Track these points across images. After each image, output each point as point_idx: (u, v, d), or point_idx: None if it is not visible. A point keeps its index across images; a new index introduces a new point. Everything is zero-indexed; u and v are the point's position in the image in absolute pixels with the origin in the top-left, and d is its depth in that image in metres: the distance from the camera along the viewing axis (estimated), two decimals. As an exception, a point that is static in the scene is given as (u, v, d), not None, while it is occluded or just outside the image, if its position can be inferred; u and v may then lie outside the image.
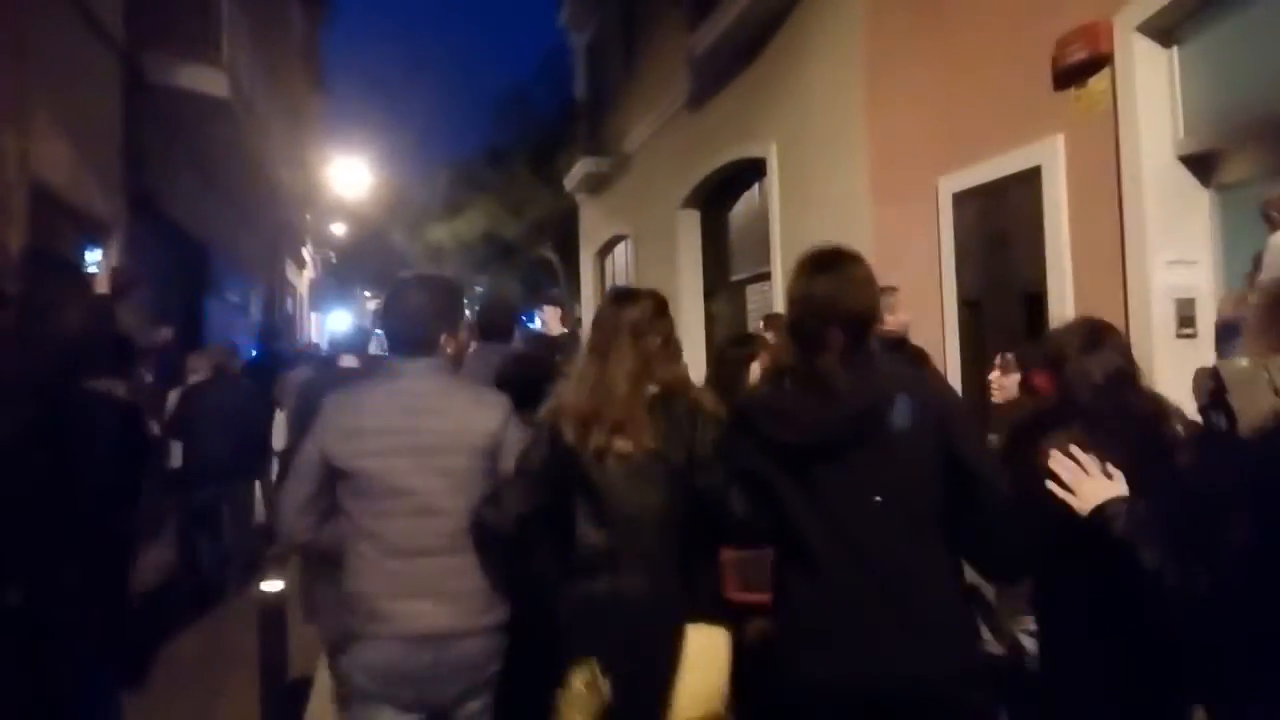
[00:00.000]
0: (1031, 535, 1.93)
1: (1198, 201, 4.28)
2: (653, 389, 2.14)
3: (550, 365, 3.22)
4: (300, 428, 4.26)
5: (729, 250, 10.37)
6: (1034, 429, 2.12)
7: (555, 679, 2.11)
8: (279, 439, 7.06)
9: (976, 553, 2.00)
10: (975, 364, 5.66)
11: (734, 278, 10.06)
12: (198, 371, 6.02)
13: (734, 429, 2.07)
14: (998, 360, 3.52)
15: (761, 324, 5.99)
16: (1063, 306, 5.02)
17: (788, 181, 8.10)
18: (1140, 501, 1.82)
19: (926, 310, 6.16)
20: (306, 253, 24.54)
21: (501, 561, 2.20)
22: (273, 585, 3.37)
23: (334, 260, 32.90)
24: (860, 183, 6.94)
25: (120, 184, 6.82)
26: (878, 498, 1.88)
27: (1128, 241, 4.52)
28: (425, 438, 2.20)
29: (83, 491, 2.44)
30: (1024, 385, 3.05)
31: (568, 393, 2.19)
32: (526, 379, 2.81)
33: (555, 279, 24.73)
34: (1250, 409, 1.73)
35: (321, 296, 32.54)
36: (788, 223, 8.08)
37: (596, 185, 14.32)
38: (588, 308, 15.47)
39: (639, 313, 2.20)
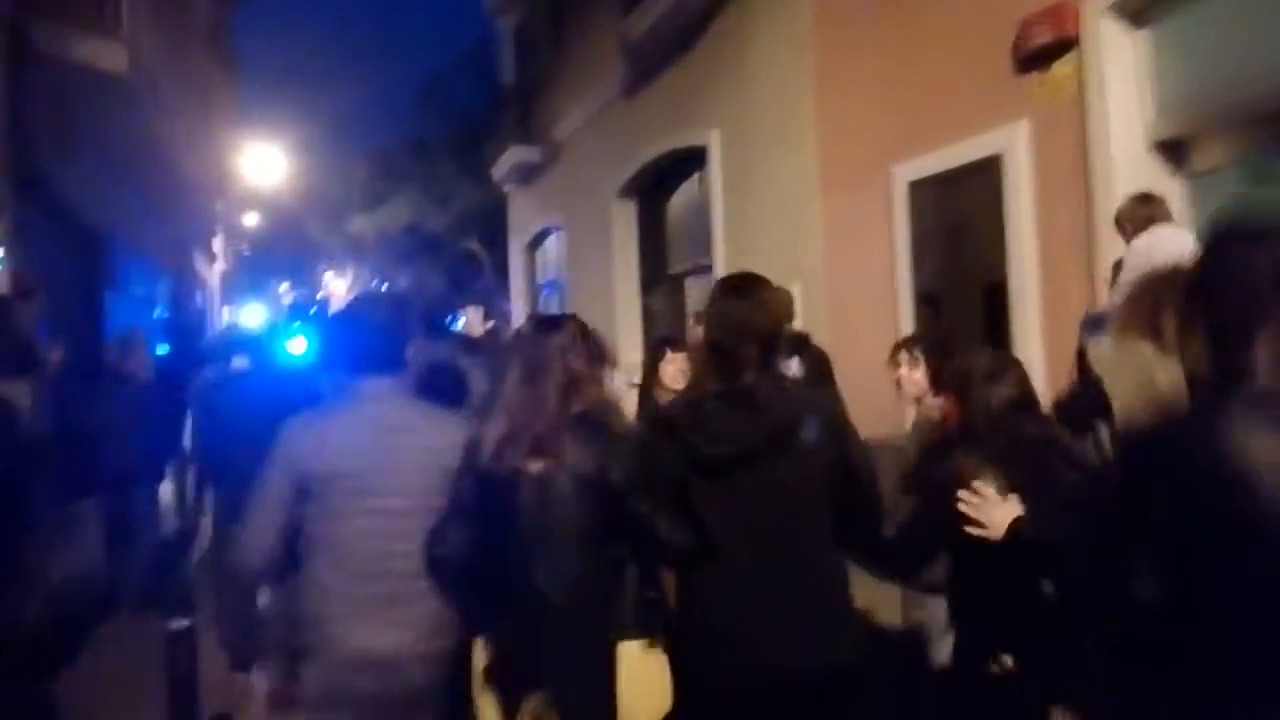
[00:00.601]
0: (934, 539, 2.25)
1: (1169, 190, 4.14)
2: (577, 408, 2.18)
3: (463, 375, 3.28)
4: (203, 431, 4.27)
5: (667, 242, 10.08)
6: (940, 449, 2.40)
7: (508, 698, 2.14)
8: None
9: (865, 550, 2.28)
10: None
11: (672, 270, 9.77)
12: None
13: (656, 437, 2.20)
14: (902, 355, 3.36)
15: (692, 320, 5.86)
16: (1025, 299, 4.86)
17: (730, 171, 7.83)
18: (1035, 513, 2.05)
19: (879, 305, 5.96)
20: (218, 245, 23.36)
21: (452, 588, 2.20)
22: (180, 623, 2.92)
23: (247, 252, 31.56)
24: (809, 171, 6.71)
25: (4, 164, 6.12)
26: (788, 502, 2.07)
27: (1095, 231, 4.37)
28: (393, 460, 2.21)
29: None
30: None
31: (489, 416, 2.23)
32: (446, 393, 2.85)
33: (481, 272, 24.17)
34: (1116, 387, 2.06)
35: (234, 290, 31.21)
36: (731, 213, 7.82)
37: (527, 175, 13.85)
38: (517, 301, 15.00)
39: (566, 337, 2.26)
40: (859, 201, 6.21)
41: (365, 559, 2.17)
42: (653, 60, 9.03)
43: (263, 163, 24.40)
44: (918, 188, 5.71)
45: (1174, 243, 3.10)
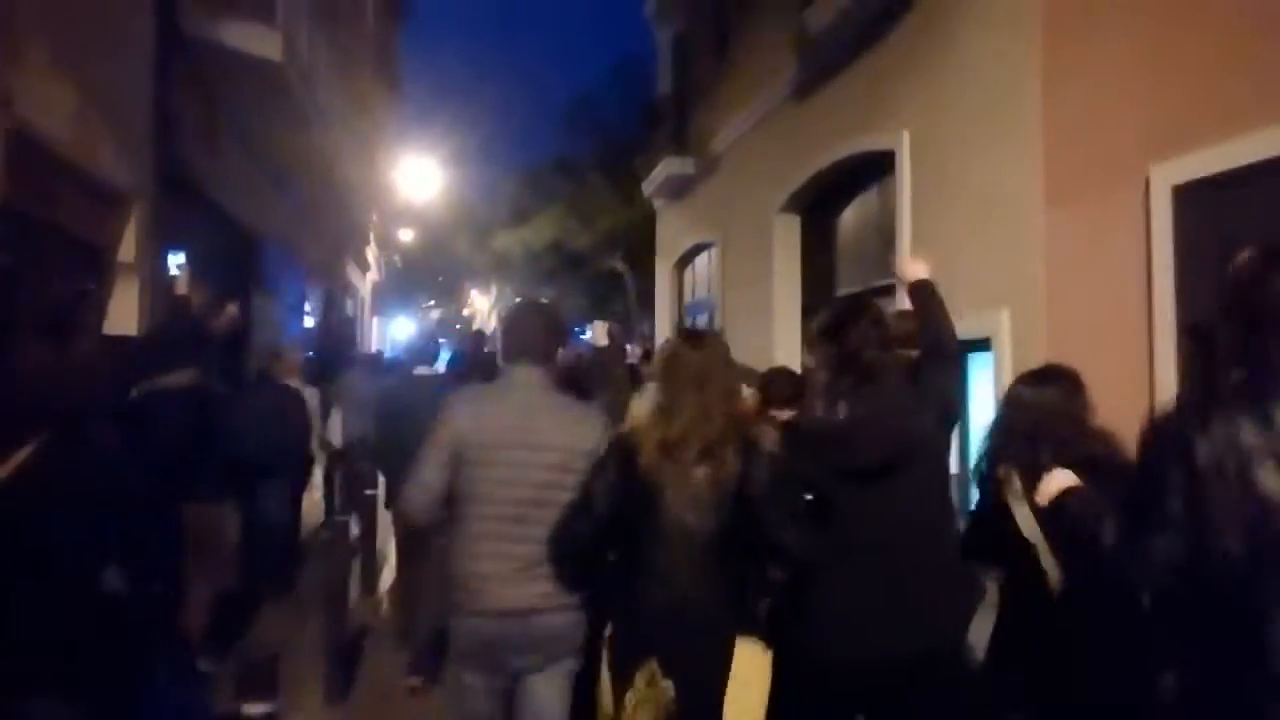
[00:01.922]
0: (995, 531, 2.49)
1: None
2: (731, 420, 2.35)
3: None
4: (386, 430, 4.59)
5: (835, 260, 9.08)
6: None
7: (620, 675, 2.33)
8: (336, 437, 8.21)
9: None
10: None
11: (841, 291, 8.76)
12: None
13: (795, 453, 2.45)
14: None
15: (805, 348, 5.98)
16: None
17: (923, 178, 6.80)
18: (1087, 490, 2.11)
19: (1121, 336, 4.81)
20: (370, 255, 23.89)
21: (579, 568, 2.49)
22: (256, 709, 2.47)
23: (399, 264, 32.41)
24: (1029, 177, 5.61)
25: (145, 148, 5.83)
26: (918, 504, 2.37)
27: None
28: (535, 439, 2.51)
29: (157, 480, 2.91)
30: None
31: (651, 419, 2.38)
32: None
33: (623, 292, 23.69)
34: None
35: (385, 301, 32.08)
36: (922, 226, 6.78)
37: (679, 189, 13.15)
38: (662, 321, 14.27)
39: (723, 350, 2.48)
40: (1099, 211, 5.08)
41: (507, 525, 2.47)
42: (832, 55, 8.11)
43: (418, 177, 24.84)
44: (1186, 194, 4.54)
45: None
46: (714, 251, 12.06)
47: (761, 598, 2.45)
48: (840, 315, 2.53)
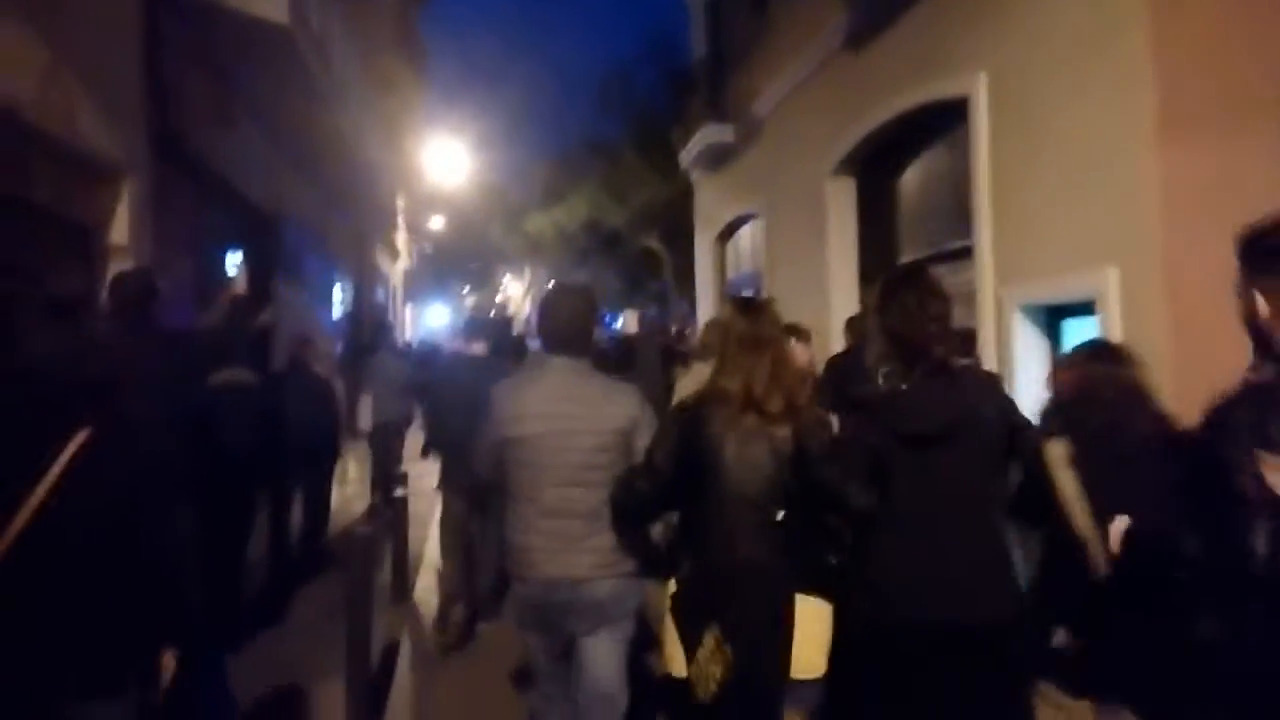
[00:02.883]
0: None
1: None
2: (788, 382, 2.43)
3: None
4: (439, 409, 4.84)
5: (897, 226, 8.32)
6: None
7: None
8: (366, 420, 8.37)
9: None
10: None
11: (905, 258, 8.02)
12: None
13: (859, 418, 2.45)
14: None
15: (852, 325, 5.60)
16: None
17: (1004, 125, 6.03)
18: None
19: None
20: (400, 241, 23.43)
21: (633, 524, 2.65)
22: None
23: (430, 251, 31.99)
24: (1137, 115, 4.84)
25: (136, 118, 5.26)
26: (971, 472, 2.34)
27: None
28: (576, 423, 2.68)
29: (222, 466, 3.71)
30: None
31: (724, 380, 2.43)
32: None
33: (660, 271, 23.04)
34: None
35: (418, 288, 31.70)
36: (1004, 179, 6.01)
37: (718, 158, 12.42)
38: (704, 299, 13.58)
39: (774, 315, 2.59)
40: (1225, 150, 4.31)
41: (554, 501, 2.65)
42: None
43: (447, 161, 24.33)
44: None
45: None
46: (758, 223, 11.33)
47: (830, 554, 2.49)
48: (889, 286, 2.48)
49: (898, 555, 2.33)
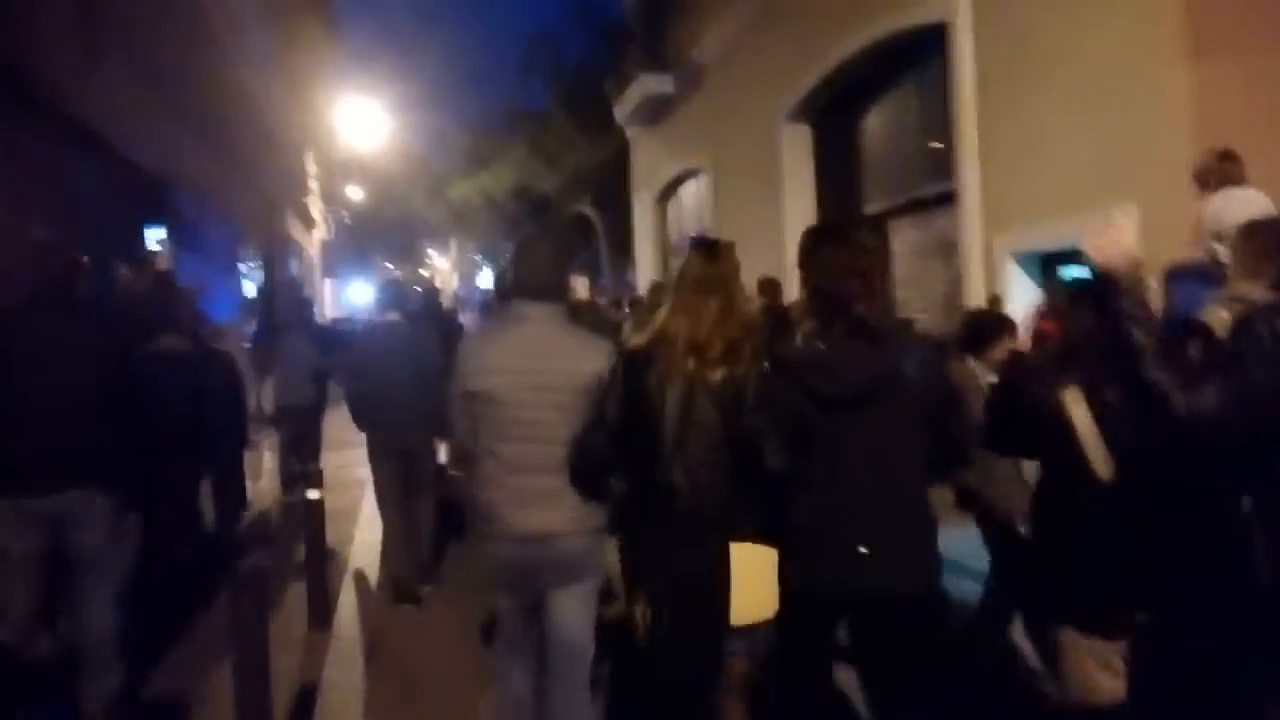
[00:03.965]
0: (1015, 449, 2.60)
1: None
2: (735, 328, 2.36)
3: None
4: (362, 379, 4.62)
5: (860, 173, 7.68)
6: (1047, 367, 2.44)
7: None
8: (268, 403, 7.83)
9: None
10: None
11: (870, 209, 7.39)
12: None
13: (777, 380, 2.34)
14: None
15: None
16: None
17: (992, 52, 5.39)
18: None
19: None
20: (316, 210, 22.05)
21: (590, 480, 2.56)
22: None
23: (348, 220, 30.47)
24: (1158, 29, 4.24)
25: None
26: (892, 434, 2.28)
27: None
28: (544, 377, 2.56)
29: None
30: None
31: (670, 323, 2.38)
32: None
33: (592, 237, 22.21)
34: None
35: (338, 262, 30.21)
36: (994, 114, 5.38)
37: (657, 112, 11.62)
38: (644, 263, 12.83)
39: (734, 259, 2.46)
40: (1261, 67, 3.74)
41: (523, 458, 2.55)
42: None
43: (362, 123, 22.95)
44: None
45: (1249, 206, 3.10)
46: (703, 179, 10.61)
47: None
48: (811, 241, 2.39)
49: (819, 521, 2.30)
